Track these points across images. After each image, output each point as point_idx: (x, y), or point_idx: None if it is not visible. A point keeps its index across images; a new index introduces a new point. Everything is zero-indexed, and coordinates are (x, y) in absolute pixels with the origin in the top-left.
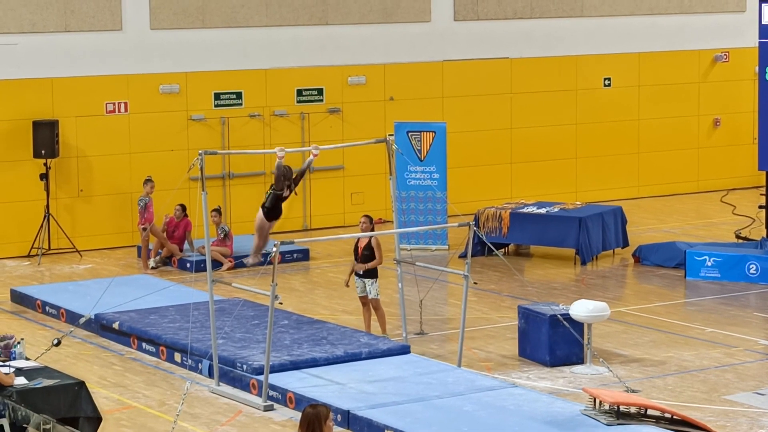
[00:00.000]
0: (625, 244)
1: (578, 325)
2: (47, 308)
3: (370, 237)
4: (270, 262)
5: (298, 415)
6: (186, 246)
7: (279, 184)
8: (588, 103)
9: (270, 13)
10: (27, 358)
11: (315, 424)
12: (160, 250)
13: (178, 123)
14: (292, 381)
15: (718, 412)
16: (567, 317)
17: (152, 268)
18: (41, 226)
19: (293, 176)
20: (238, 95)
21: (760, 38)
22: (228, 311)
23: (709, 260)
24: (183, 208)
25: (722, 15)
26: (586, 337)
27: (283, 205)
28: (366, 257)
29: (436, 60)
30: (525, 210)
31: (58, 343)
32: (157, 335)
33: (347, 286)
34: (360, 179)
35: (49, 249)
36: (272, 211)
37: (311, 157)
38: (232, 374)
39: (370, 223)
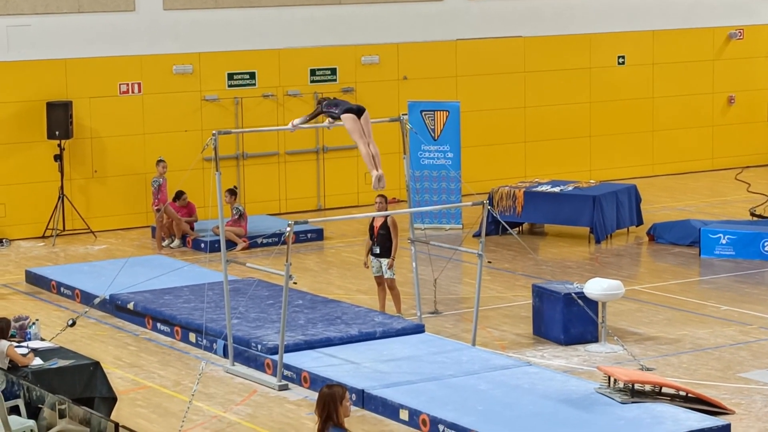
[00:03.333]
0: (640, 222)
1: (592, 304)
2: (62, 289)
3: (386, 216)
4: (284, 242)
5: (312, 394)
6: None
7: (315, 112)
8: (602, 82)
9: None
10: (42, 339)
11: (330, 404)
12: (172, 235)
13: (192, 103)
14: (307, 360)
15: (732, 389)
16: (581, 296)
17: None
18: (56, 207)
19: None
20: (252, 75)
21: None
22: (242, 291)
23: (724, 238)
24: (180, 195)
25: None
26: (601, 316)
27: (300, 183)
28: (382, 237)
29: (449, 39)
30: (539, 189)
31: (73, 324)
32: (172, 315)
33: (366, 266)
34: None
35: (64, 230)
36: (344, 107)
37: (327, 123)
38: (246, 354)
39: (385, 202)
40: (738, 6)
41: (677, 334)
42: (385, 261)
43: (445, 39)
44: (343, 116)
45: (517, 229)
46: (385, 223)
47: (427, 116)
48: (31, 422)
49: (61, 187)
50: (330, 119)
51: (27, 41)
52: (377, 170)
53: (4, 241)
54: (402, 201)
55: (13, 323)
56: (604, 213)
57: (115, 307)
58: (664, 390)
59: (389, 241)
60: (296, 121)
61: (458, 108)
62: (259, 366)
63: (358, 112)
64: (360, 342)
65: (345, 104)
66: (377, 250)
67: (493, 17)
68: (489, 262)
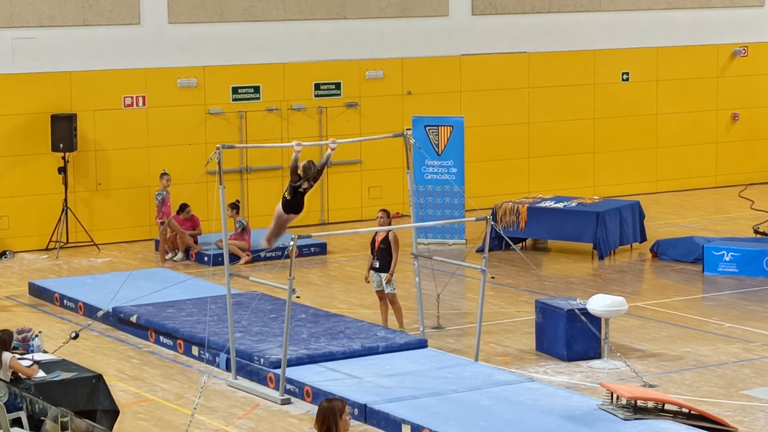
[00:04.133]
0: (643, 238)
1: (595, 320)
2: (65, 301)
3: (388, 231)
4: (288, 256)
5: (315, 408)
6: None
7: (294, 177)
8: (606, 98)
9: (288, 7)
10: (45, 351)
11: (330, 418)
12: (176, 248)
13: (196, 117)
14: (309, 374)
15: (735, 407)
16: (584, 312)
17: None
18: (59, 219)
19: (314, 171)
20: (256, 89)
21: None
22: (245, 305)
23: (727, 255)
24: (185, 208)
25: (741, 9)
26: (604, 332)
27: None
28: (382, 251)
29: (453, 54)
30: (542, 204)
31: (76, 336)
32: (175, 328)
33: (367, 281)
34: (377, 173)
35: (67, 242)
36: (291, 203)
37: (329, 151)
38: (249, 368)
39: (388, 217)
40: (742, 23)
41: (680, 351)
42: (384, 276)
43: (449, 54)
44: (278, 206)
45: (521, 244)
46: (386, 237)
47: (431, 131)
48: None
49: (65, 200)
50: (296, 149)
51: (32, 54)
52: (270, 244)
53: (7, 253)
54: (405, 216)
55: (16, 335)
56: (607, 229)
57: (117, 319)
58: (667, 407)
59: (389, 256)
60: (298, 149)
61: (462, 123)
62: (262, 380)
63: (295, 212)
64: (363, 356)
65: (297, 200)
66: (377, 265)
67: (497, 33)
68: (492, 277)
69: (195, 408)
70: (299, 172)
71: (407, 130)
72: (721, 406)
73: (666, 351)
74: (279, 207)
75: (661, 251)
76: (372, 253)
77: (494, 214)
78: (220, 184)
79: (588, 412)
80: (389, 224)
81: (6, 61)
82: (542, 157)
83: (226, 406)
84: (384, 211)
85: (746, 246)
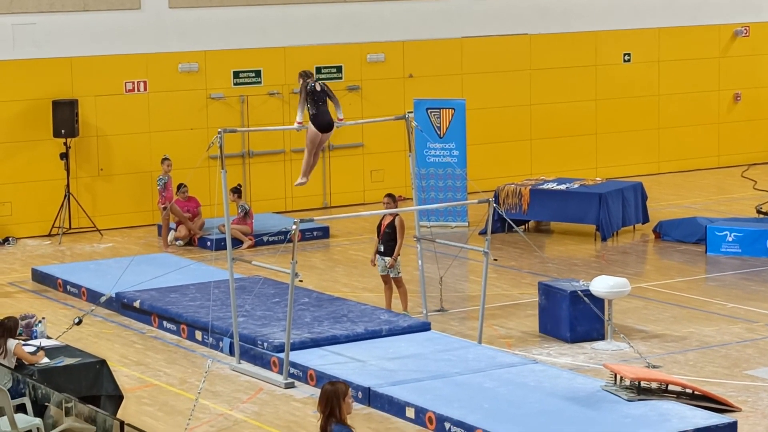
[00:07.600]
0: (646, 219)
1: (599, 301)
2: (68, 287)
3: (394, 216)
4: (290, 240)
5: (318, 392)
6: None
7: (303, 97)
8: (608, 79)
9: None
10: (48, 337)
11: (333, 400)
12: (178, 238)
13: (197, 101)
14: (313, 358)
15: (739, 387)
16: (587, 293)
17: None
18: (62, 205)
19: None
20: (257, 73)
21: None
22: (248, 289)
23: (730, 235)
24: (180, 187)
25: None
26: (607, 313)
27: (302, 186)
28: (388, 235)
29: (455, 37)
30: (545, 186)
31: (80, 322)
32: (178, 313)
33: (373, 264)
34: (379, 156)
35: (70, 228)
36: (316, 117)
37: (295, 126)
38: (252, 352)
39: (394, 201)
40: (744, 3)
41: (683, 331)
42: (389, 260)
43: (450, 37)
44: (309, 125)
45: (523, 226)
46: (392, 222)
47: (432, 114)
48: (38, 420)
49: (67, 186)
50: (298, 123)
51: (32, 40)
52: (306, 178)
53: (10, 239)
54: (408, 199)
55: (19, 321)
56: (610, 210)
57: (121, 305)
58: (671, 387)
59: (394, 240)
60: (298, 118)
61: (464, 106)
62: (266, 364)
63: (327, 129)
64: (366, 340)
65: (321, 110)
66: (382, 249)
67: (498, 15)
68: (495, 259)
69: (199, 392)
70: (301, 85)
71: (409, 113)
72: (724, 386)
73: (669, 332)
74: (310, 130)
75: (663, 232)
76: (378, 237)
77: (497, 197)
78: (222, 169)
79: (591, 393)
80: (396, 208)
81: (7, 47)
82: (544, 139)
83: (230, 390)
84: (390, 195)
85: (749, 226)
